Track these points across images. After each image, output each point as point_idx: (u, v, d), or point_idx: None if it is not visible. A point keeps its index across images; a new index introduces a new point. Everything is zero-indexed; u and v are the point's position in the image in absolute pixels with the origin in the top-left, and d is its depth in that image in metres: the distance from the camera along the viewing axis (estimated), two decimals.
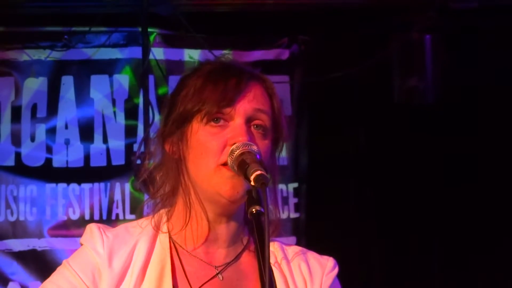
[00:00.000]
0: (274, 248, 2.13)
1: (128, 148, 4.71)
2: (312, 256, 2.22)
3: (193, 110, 2.07)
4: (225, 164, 2.02)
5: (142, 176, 2.29)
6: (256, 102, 2.08)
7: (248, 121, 2.06)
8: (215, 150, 2.02)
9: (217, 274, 2.12)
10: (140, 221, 2.22)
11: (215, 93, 2.05)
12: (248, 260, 2.17)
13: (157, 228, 2.17)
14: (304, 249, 2.25)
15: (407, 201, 4.77)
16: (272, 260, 2.09)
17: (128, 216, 4.67)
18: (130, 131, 4.73)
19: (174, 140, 2.12)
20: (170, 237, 2.17)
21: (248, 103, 2.07)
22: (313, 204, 4.77)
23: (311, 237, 4.62)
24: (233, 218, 2.11)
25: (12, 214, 4.59)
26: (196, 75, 2.12)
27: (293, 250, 2.24)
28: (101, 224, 2.17)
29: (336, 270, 2.19)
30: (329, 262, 2.19)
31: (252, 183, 1.89)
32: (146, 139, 4.28)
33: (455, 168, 4.76)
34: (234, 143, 2.00)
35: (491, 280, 4.86)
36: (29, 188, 4.65)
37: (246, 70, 2.13)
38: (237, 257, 2.17)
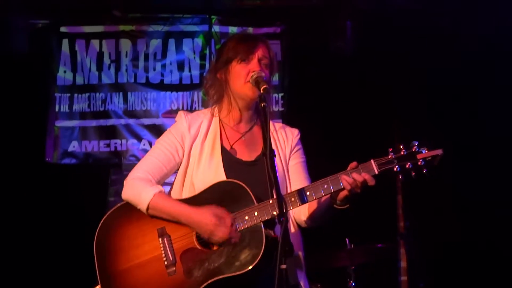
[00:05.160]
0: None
1: (201, 74, 5.97)
2: (288, 128, 2.87)
3: (233, 57, 2.71)
4: (248, 81, 2.65)
5: (205, 88, 2.86)
6: (263, 52, 2.73)
7: (259, 61, 2.71)
8: (244, 74, 2.67)
9: (242, 136, 2.75)
10: (204, 110, 2.83)
11: (243, 48, 2.70)
12: (256, 130, 2.79)
13: (212, 114, 2.78)
14: (284, 125, 2.88)
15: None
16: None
17: (200, 108, 5.72)
18: (202, 66, 5.99)
19: (222, 72, 2.75)
20: (219, 119, 2.75)
21: (260, 52, 2.71)
22: (291, 104, 5.89)
23: (289, 121, 5.37)
24: (251, 108, 2.76)
25: (144, 106, 5.89)
26: (232, 39, 2.81)
27: (278, 125, 2.85)
28: (185, 111, 2.78)
29: (300, 135, 2.85)
30: (296, 131, 2.88)
31: (261, 91, 2.51)
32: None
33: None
34: (254, 71, 2.64)
35: None
36: (152, 94, 5.98)
37: (257, 37, 2.81)
38: (251, 128, 2.78)
